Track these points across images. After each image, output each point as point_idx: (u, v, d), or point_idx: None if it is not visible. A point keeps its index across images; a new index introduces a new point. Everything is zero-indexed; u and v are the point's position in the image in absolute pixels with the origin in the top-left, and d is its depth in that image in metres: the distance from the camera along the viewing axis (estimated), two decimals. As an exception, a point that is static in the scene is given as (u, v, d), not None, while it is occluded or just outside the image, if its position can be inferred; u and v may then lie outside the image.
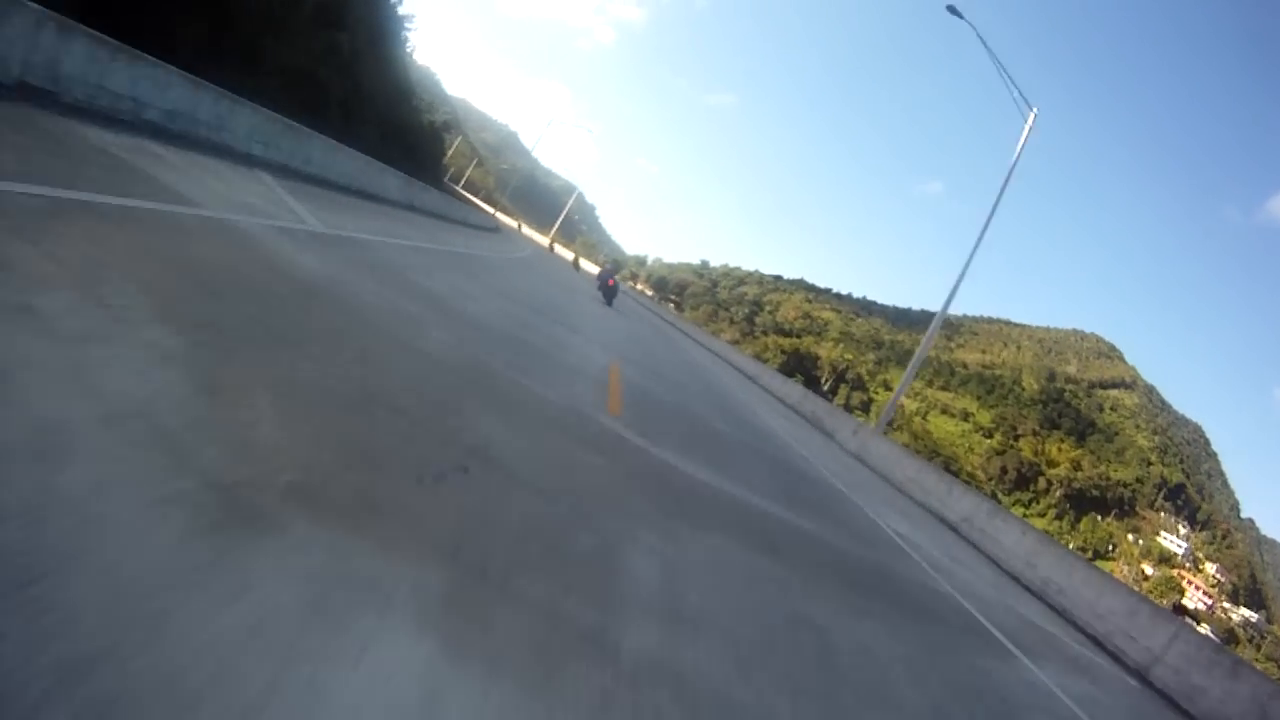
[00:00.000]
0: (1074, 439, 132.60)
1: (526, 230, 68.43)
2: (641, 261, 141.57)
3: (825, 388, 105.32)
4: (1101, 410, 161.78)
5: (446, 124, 47.85)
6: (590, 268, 45.06)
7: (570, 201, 61.32)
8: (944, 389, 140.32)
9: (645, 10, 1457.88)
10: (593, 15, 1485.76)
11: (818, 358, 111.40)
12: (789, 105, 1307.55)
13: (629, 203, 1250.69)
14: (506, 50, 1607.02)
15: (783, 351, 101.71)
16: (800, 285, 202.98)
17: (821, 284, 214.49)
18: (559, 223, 60.89)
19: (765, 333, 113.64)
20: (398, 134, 24.32)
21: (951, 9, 17.38)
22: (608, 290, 23.16)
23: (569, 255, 51.14)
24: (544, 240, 64.76)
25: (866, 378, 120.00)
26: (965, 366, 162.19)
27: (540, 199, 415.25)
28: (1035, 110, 18.33)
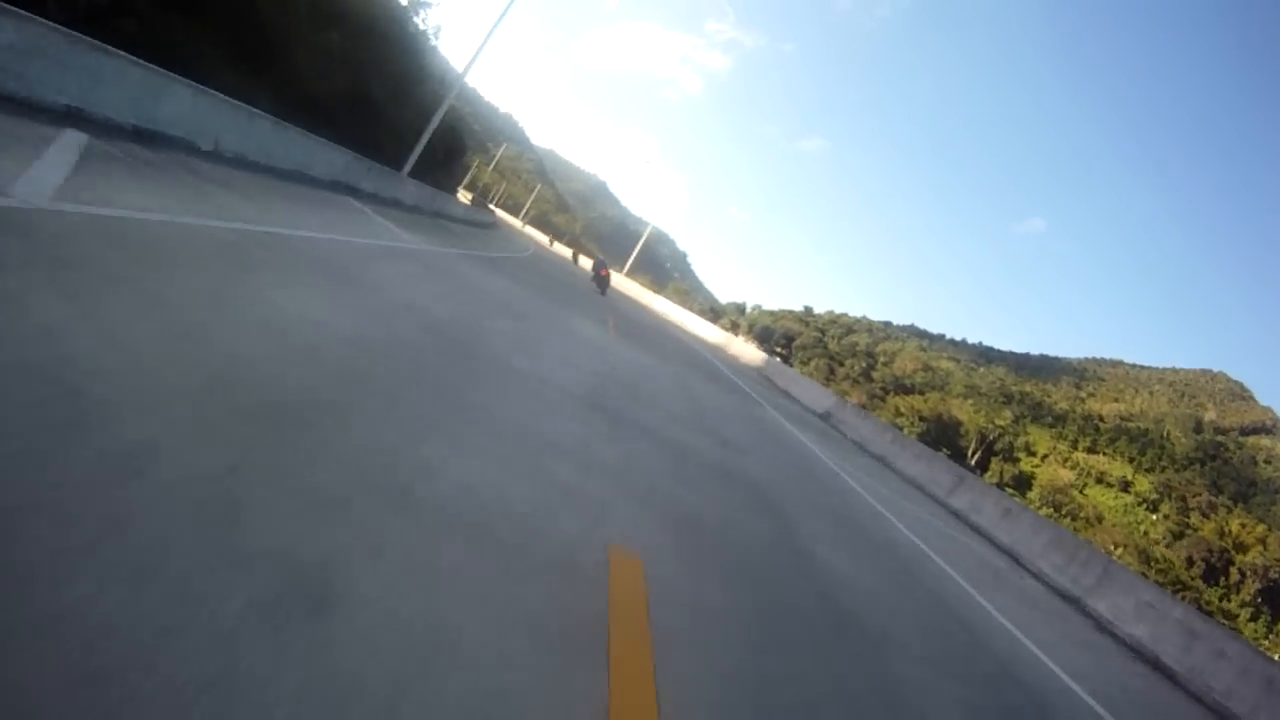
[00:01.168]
0: (1240, 504, 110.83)
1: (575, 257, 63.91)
2: (740, 309, 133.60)
3: (973, 461, 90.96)
4: (1255, 464, 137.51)
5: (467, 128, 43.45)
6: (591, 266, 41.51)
7: (645, 234, 56.30)
8: (1092, 450, 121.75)
9: (731, 58, 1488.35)
10: (678, 65, 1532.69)
11: (959, 423, 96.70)
12: (881, 147, 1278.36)
13: (722, 250, 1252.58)
14: (594, 102, 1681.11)
15: (920, 418, 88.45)
16: (912, 332, 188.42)
17: (933, 329, 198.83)
18: (632, 259, 55.86)
19: (887, 390, 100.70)
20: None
21: None
22: (600, 280, 25.55)
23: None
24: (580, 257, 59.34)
25: (1015, 446, 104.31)
26: (1103, 420, 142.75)
27: (628, 243, 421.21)
28: None
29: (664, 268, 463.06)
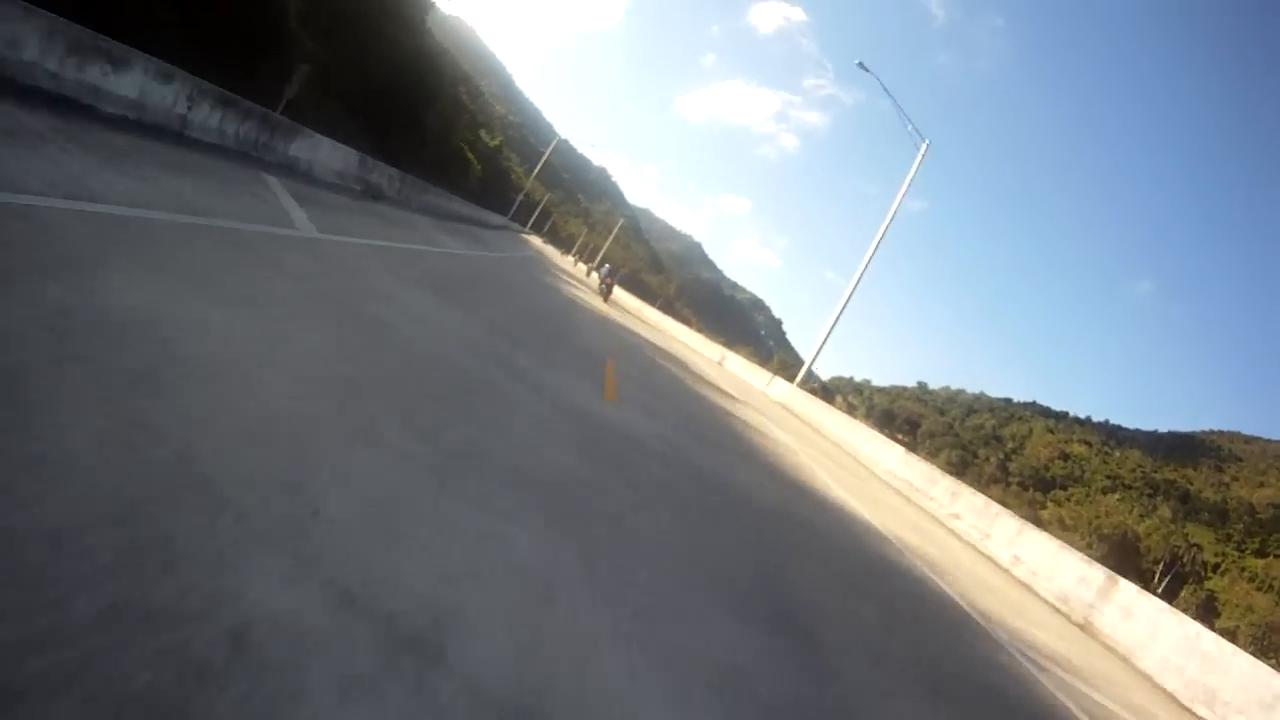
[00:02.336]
0: None
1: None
2: (855, 387, 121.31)
3: (1159, 588, 72.54)
4: None
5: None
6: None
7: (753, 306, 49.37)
8: (1261, 553, 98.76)
9: (829, 115, 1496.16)
10: (775, 123, 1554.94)
11: (1137, 540, 77.85)
12: (981, 205, 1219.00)
13: (818, 319, 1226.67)
14: (691, 162, 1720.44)
15: (1100, 536, 71.41)
16: (1035, 410, 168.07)
17: (1054, 405, 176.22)
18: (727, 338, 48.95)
19: (1025, 486, 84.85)
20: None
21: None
22: (606, 287, 25.70)
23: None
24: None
25: (1198, 562, 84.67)
26: (1256, 510, 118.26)
27: (725, 310, 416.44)
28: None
29: (759, 335, 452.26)
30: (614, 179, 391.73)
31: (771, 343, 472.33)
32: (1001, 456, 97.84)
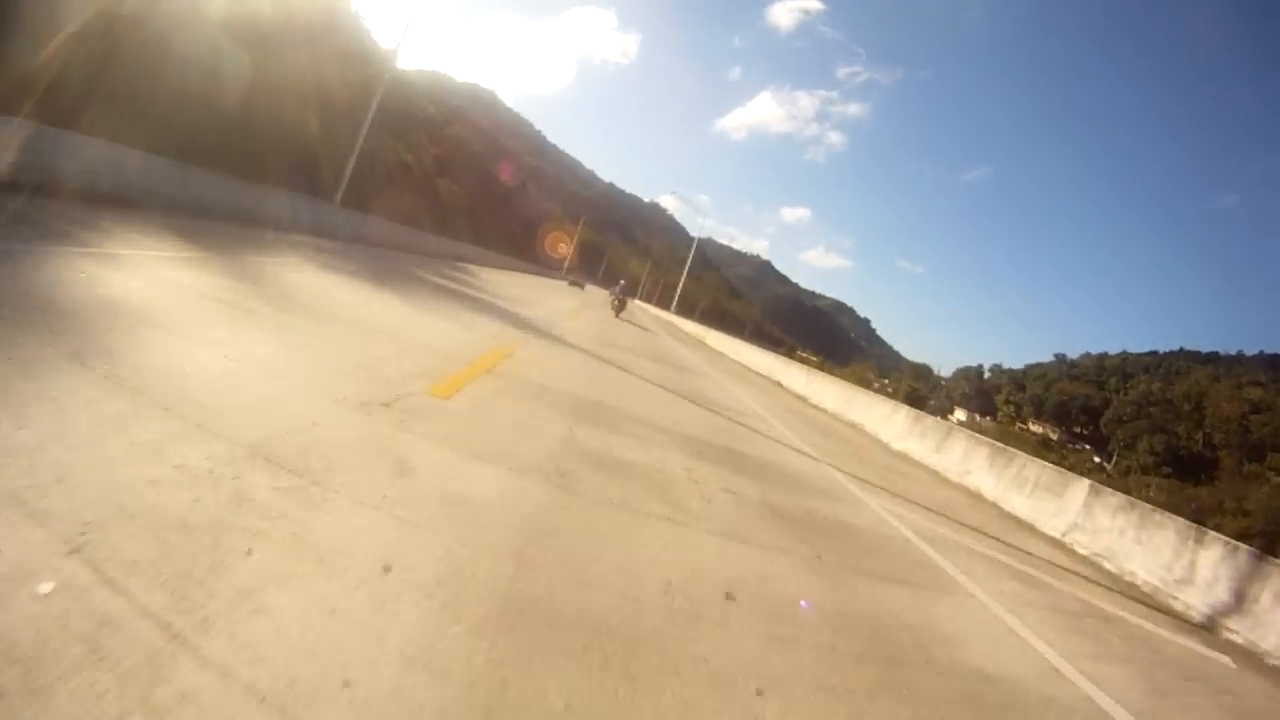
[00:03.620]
0: None
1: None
2: (1006, 377, 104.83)
3: None
4: None
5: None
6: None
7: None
8: None
9: (869, 102, 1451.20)
10: (815, 125, 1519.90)
11: None
12: (1048, 159, 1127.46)
13: (903, 310, 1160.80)
14: (741, 180, 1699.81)
15: None
16: (1187, 358, 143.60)
17: (1200, 346, 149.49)
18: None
19: (1241, 459, 68.03)
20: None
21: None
22: (618, 303, 26.35)
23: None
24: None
25: None
26: None
27: (811, 321, 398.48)
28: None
29: (850, 339, 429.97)
30: (670, 212, 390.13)
31: (864, 343, 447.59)
32: (1202, 430, 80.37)
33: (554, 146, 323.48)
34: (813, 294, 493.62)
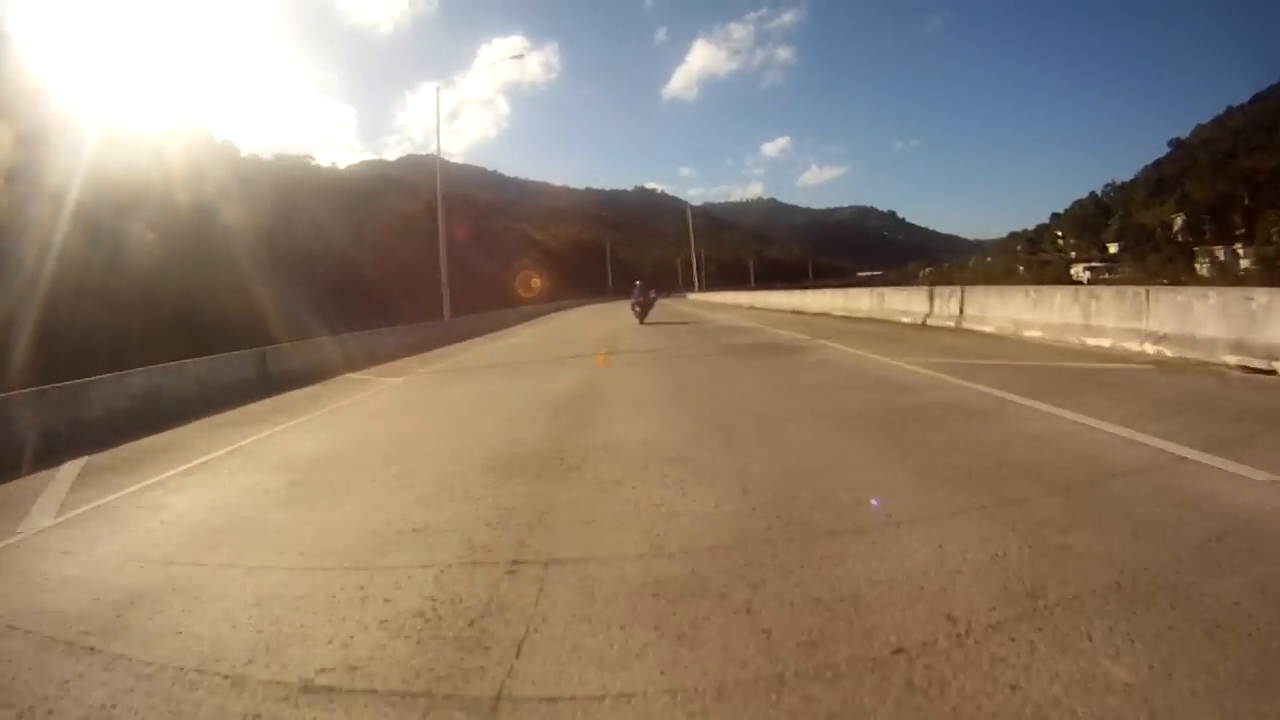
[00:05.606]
0: None
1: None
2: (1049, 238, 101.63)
3: None
4: None
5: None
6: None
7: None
8: None
9: (803, 5, 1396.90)
10: (759, 50, 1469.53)
11: None
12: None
13: (917, 190, 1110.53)
14: (711, 135, 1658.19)
15: None
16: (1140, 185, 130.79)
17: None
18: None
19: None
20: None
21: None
22: (640, 308, 23.35)
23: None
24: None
25: None
26: None
27: (837, 236, 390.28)
28: None
29: (883, 238, 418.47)
30: (660, 190, 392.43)
31: (901, 236, 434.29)
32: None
33: (515, 179, 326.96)
34: (829, 210, 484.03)
